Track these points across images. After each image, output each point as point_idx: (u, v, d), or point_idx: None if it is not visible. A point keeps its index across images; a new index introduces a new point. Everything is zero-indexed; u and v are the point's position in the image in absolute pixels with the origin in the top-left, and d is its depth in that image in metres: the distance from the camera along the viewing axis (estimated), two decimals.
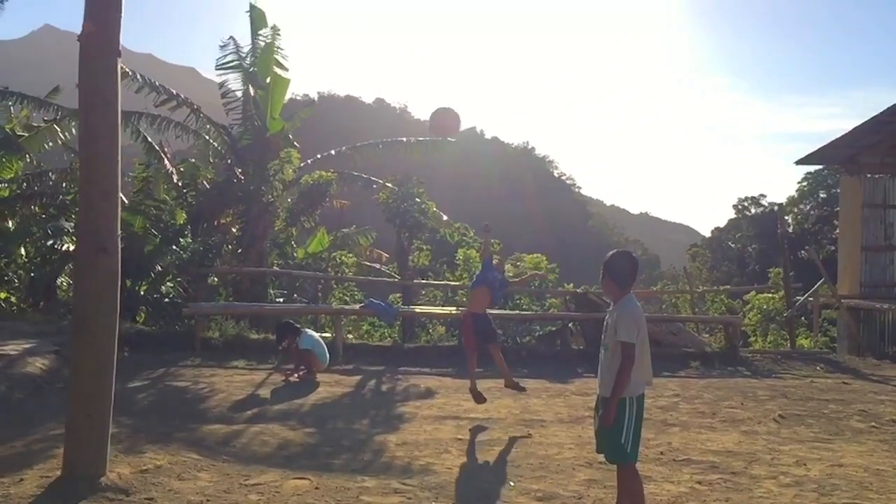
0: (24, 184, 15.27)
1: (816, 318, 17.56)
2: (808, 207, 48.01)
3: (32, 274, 14.55)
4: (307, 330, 10.38)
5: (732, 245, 54.76)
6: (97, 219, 4.96)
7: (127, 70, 13.57)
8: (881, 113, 16.98)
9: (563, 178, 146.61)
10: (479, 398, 7.85)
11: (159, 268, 13.95)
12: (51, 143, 15.07)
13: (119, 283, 5.04)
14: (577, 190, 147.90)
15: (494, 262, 8.99)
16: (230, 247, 15.79)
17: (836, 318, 18.25)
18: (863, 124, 17.35)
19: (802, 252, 34.52)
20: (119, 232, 5.05)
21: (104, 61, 4.98)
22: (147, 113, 15.46)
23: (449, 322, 14.92)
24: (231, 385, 9.11)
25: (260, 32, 15.93)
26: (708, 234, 62.79)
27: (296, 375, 9.61)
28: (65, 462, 4.84)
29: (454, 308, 14.23)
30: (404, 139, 18.01)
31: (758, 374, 11.45)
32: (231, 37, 15.99)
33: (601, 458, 4.62)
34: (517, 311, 15.38)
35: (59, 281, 14.55)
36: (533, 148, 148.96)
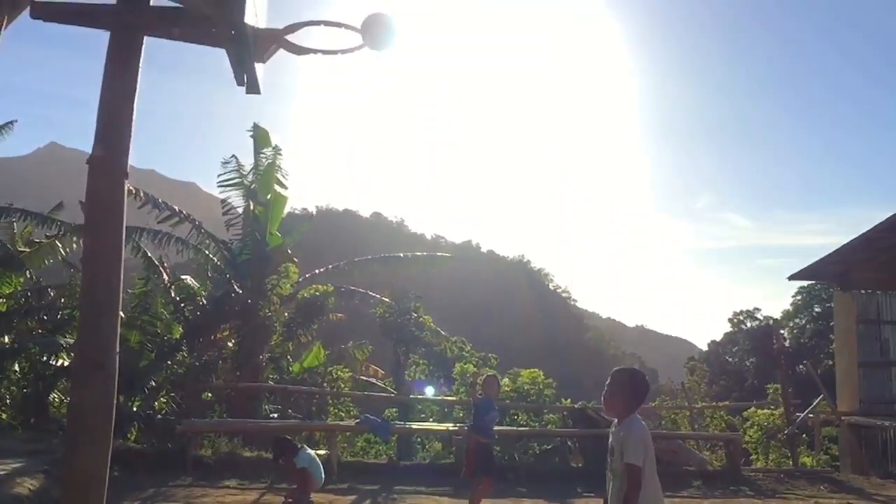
0: (23, 299, 15.33)
1: (817, 435, 17.31)
2: (803, 321, 48.13)
3: (25, 390, 14.38)
4: (305, 447, 10.21)
5: (730, 359, 54.55)
6: (96, 336, 4.98)
7: (131, 188, 13.89)
8: (870, 230, 17.25)
9: (559, 290, 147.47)
10: None
11: (153, 383, 13.84)
12: (51, 259, 15.19)
13: (115, 400, 5.02)
14: (572, 303, 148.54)
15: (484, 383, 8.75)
16: (226, 362, 15.71)
17: (837, 436, 17.97)
18: (853, 241, 17.59)
19: (800, 367, 34.40)
20: (117, 349, 5.08)
21: (112, 183, 5.13)
22: (148, 229, 15.75)
23: (446, 438, 14.67)
24: None
25: (262, 151, 16.43)
26: (705, 348, 62.59)
27: (290, 501, 9.36)
28: None
29: (451, 424, 14.03)
30: (402, 254, 18.31)
31: (761, 493, 11.23)
32: (233, 155, 16.50)
33: None
34: (514, 427, 15.16)
35: (51, 397, 14.37)
36: (528, 261, 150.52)
